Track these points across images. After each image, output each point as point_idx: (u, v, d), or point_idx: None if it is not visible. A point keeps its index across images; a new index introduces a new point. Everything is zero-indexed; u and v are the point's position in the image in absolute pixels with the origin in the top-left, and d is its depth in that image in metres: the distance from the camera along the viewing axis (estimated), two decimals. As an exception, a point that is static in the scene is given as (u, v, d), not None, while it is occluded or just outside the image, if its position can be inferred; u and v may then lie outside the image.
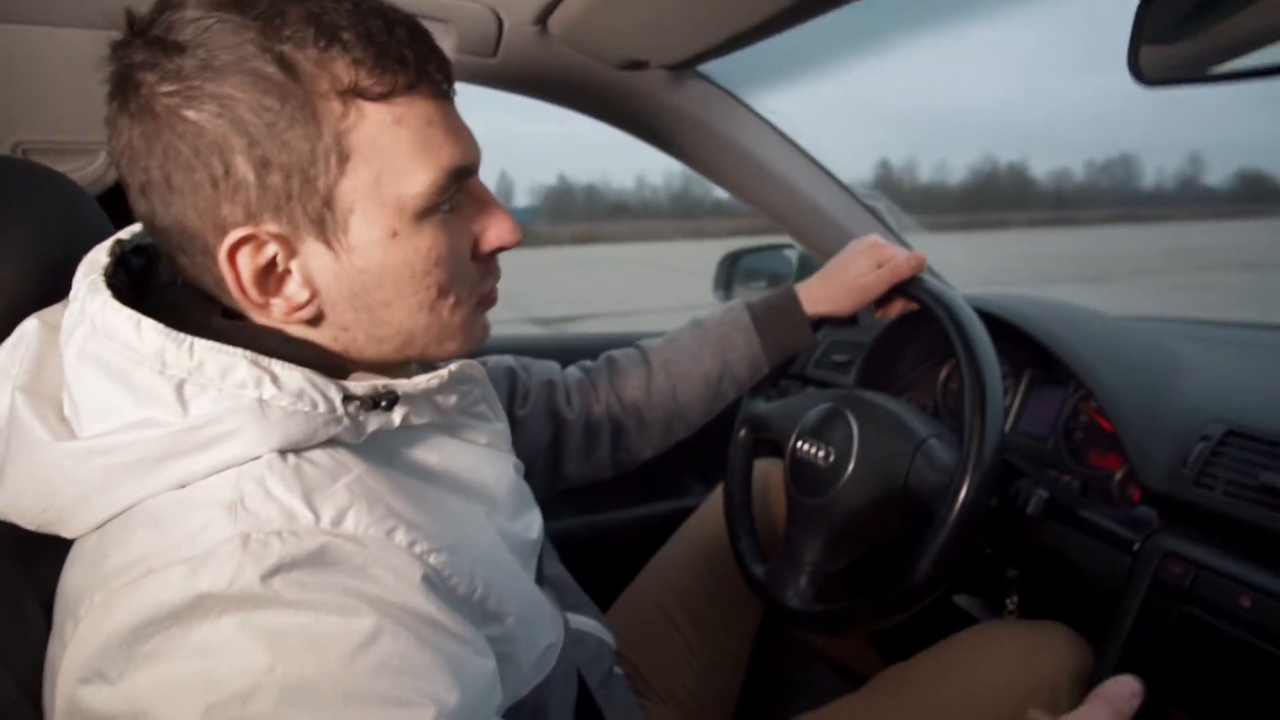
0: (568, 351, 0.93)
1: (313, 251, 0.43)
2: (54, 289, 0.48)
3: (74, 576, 0.40)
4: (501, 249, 0.50)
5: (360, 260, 0.44)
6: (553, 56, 0.91)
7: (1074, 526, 0.76)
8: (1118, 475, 0.81)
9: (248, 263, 0.42)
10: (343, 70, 0.41)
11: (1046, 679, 0.72)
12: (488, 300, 0.52)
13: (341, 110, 0.41)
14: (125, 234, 0.49)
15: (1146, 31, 0.57)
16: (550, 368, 0.82)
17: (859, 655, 1.08)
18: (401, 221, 0.44)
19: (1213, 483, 0.67)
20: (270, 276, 0.43)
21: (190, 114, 0.40)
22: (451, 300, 0.48)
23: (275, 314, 0.44)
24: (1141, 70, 0.57)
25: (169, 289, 0.47)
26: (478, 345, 0.52)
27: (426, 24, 0.46)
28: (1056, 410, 0.91)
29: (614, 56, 0.92)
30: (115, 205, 0.68)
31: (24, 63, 0.81)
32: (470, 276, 0.49)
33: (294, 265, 0.43)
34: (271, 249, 0.42)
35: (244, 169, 0.41)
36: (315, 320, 0.45)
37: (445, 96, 0.46)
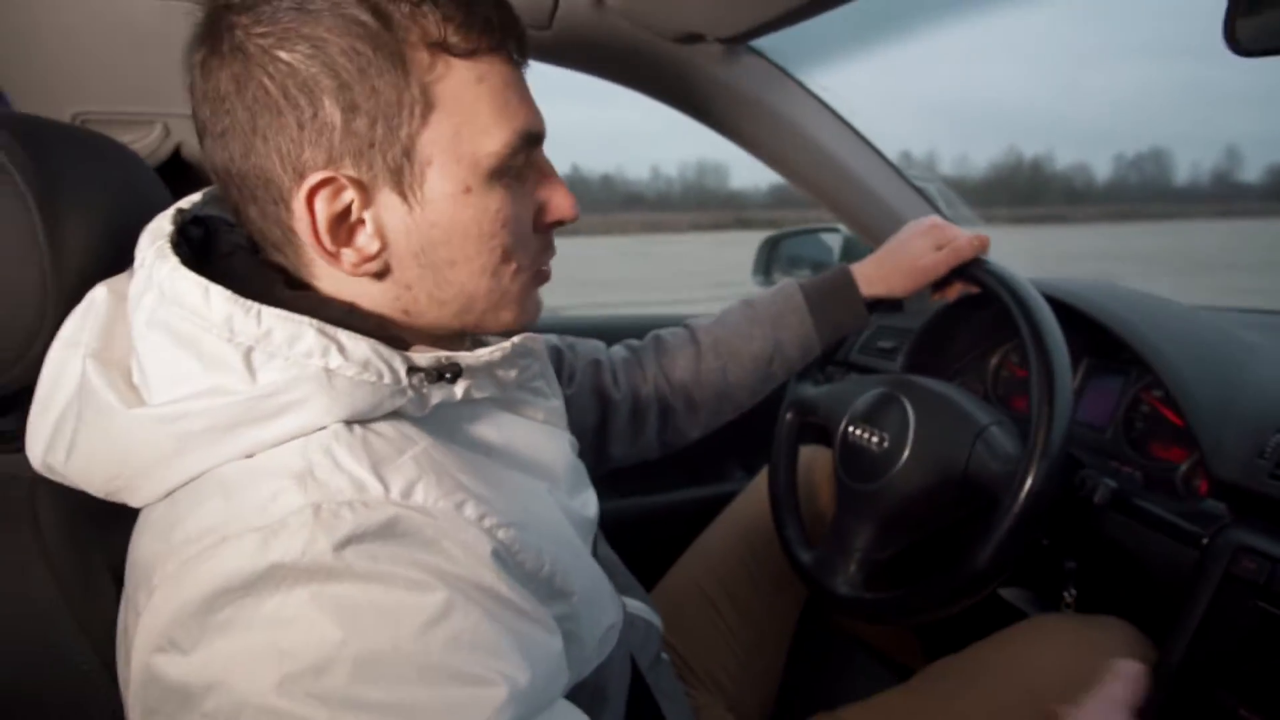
0: (614, 331, 0.92)
1: (387, 202, 0.43)
2: (119, 258, 0.48)
3: (145, 545, 0.40)
4: (561, 222, 0.51)
5: (432, 214, 0.44)
6: (607, 28, 0.90)
7: (1137, 519, 0.74)
8: (1183, 467, 0.79)
9: (325, 208, 0.42)
10: (433, 25, 0.41)
11: (1105, 675, 0.71)
12: (543, 275, 0.52)
13: (430, 61, 0.42)
14: (186, 203, 0.49)
15: (1243, 2, 0.54)
16: (596, 347, 0.81)
17: (901, 645, 1.06)
18: (475, 178, 0.44)
19: None
20: (343, 225, 0.43)
21: (283, 54, 0.40)
22: (513, 266, 0.48)
23: (345, 264, 0.44)
24: (1239, 40, 0.54)
25: (229, 258, 0.47)
26: (532, 320, 0.52)
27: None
28: (1115, 399, 0.88)
29: (670, 28, 0.90)
30: (171, 177, 0.68)
31: (81, 34, 0.82)
32: (531, 246, 0.49)
33: (368, 215, 0.43)
34: (349, 195, 0.42)
35: (331, 111, 0.41)
36: (381, 274, 0.45)
37: (520, 65, 0.47)
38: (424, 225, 0.44)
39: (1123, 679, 0.59)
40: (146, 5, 0.81)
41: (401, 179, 0.43)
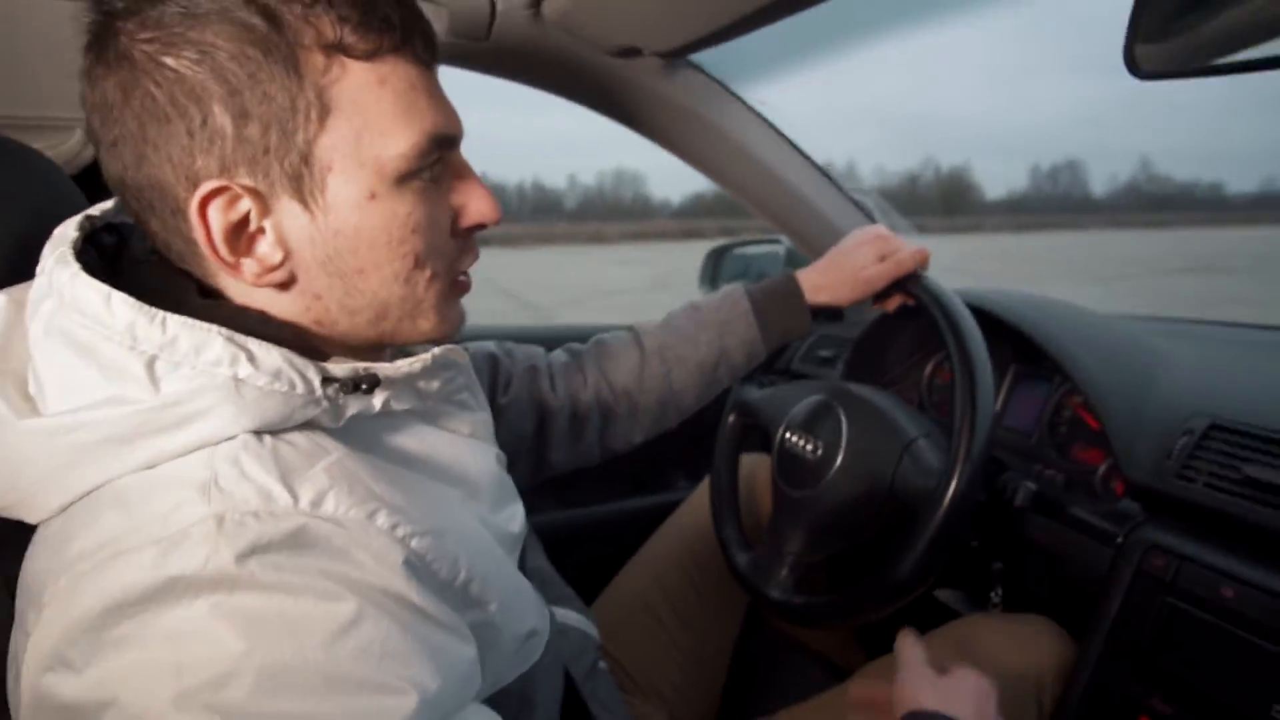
0: (556, 340, 0.92)
1: (288, 210, 0.42)
2: (25, 267, 0.46)
3: (37, 562, 0.38)
4: (481, 226, 0.49)
5: (336, 221, 0.43)
6: (545, 41, 0.90)
7: (1058, 519, 0.77)
8: (1101, 469, 0.82)
9: (219, 217, 0.41)
10: (328, 26, 0.40)
11: (1030, 672, 0.73)
12: (463, 283, 0.50)
13: (325, 64, 0.41)
14: (96, 210, 0.47)
15: (1142, 26, 0.57)
16: (534, 352, 0.80)
17: (842, 649, 1.08)
18: (381, 184, 0.43)
19: (1195, 475, 0.68)
20: (242, 235, 0.42)
21: (169, 61, 0.39)
22: (427, 273, 0.46)
23: (246, 275, 0.43)
24: (1137, 64, 0.57)
25: (142, 267, 0.46)
26: (453, 331, 0.50)
27: (419, 5, 0.45)
28: (1041, 405, 0.92)
29: (607, 42, 0.91)
30: (91, 184, 0.66)
31: (-2, 37, 0.79)
32: (448, 252, 0.48)
33: (268, 224, 0.42)
34: (245, 205, 0.41)
35: (221, 119, 0.39)
36: (287, 284, 0.44)
37: (428, 65, 0.45)
38: (328, 233, 0.43)
39: (908, 644, 0.67)
40: (63, 8, 0.78)
41: (301, 186, 0.42)
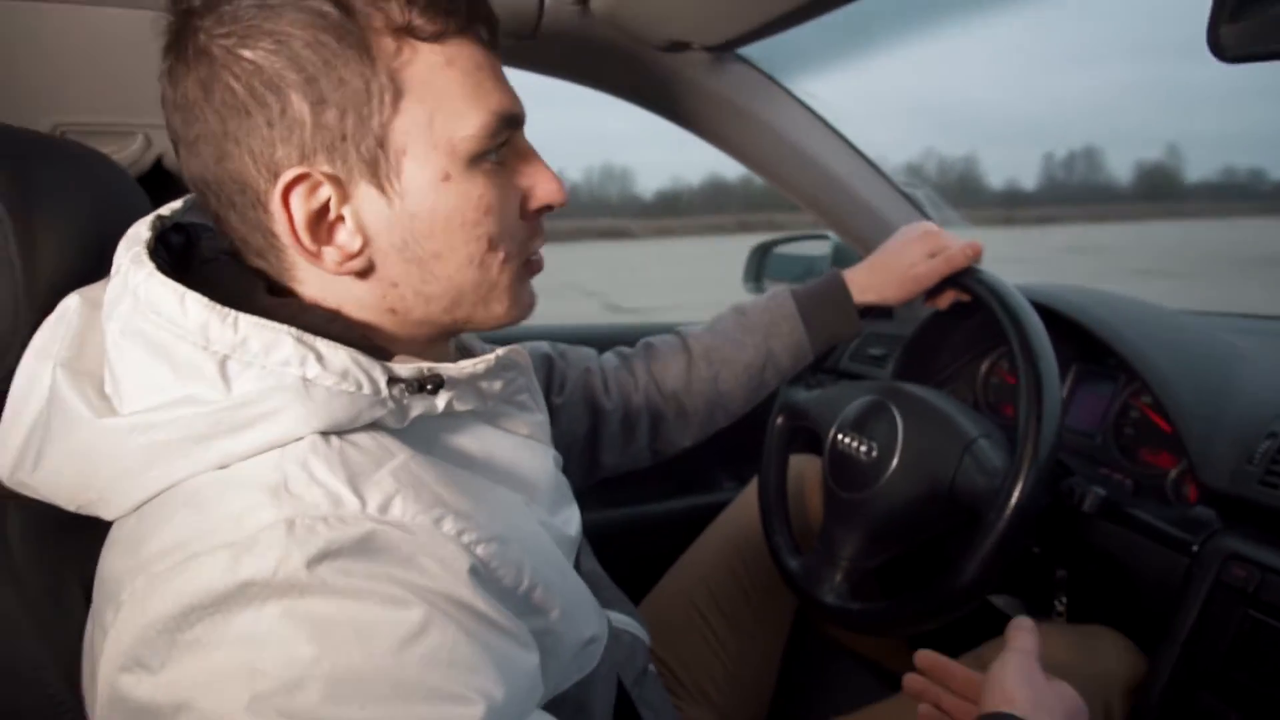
0: (604, 340, 0.92)
1: (366, 196, 0.43)
2: (96, 268, 0.47)
3: (113, 560, 0.39)
4: (549, 207, 0.49)
5: (413, 204, 0.43)
6: (593, 37, 0.89)
7: (1127, 526, 0.73)
8: (1172, 474, 0.78)
9: (301, 206, 0.42)
10: (396, 9, 0.41)
11: (1096, 686, 0.70)
12: (534, 265, 0.51)
13: (395, 47, 0.41)
14: (166, 210, 0.48)
15: (1228, 5, 0.55)
16: (587, 355, 0.80)
17: (893, 655, 1.06)
18: (454, 165, 0.43)
19: (1279, 481, 0.65)
20: (323, 223, 0.43)
21: (246, 53, 0.40)
22: (501, 255, 0.47)
23: (328, 264, 0.43)
24: (1223, 46, 0.54)
25: (210, 265, 0.46)
26: (526, 313, 0.51)
27: None
28: (1106, 406, 0.88)
29: (656, 36, 0.90)
30: (154, 187, 0.68)
31: (61, 43, 0.81)
32: (519, 234, 0.48)
33: (347, 211, 0.43)
34: (325, 192, 0.42)
35: (299, 106, 0.40)
36: (365, 272, 0.45)
37: (491, 48, 0.46)
38: (405, 217, 0.43)
39: (1025, 630, 0.59)
40: (127, 16, 0.81)
41: (378, 170, 0.42)
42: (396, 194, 0.43)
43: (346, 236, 0.43)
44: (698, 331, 0.82)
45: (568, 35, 0.89)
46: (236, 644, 0.34)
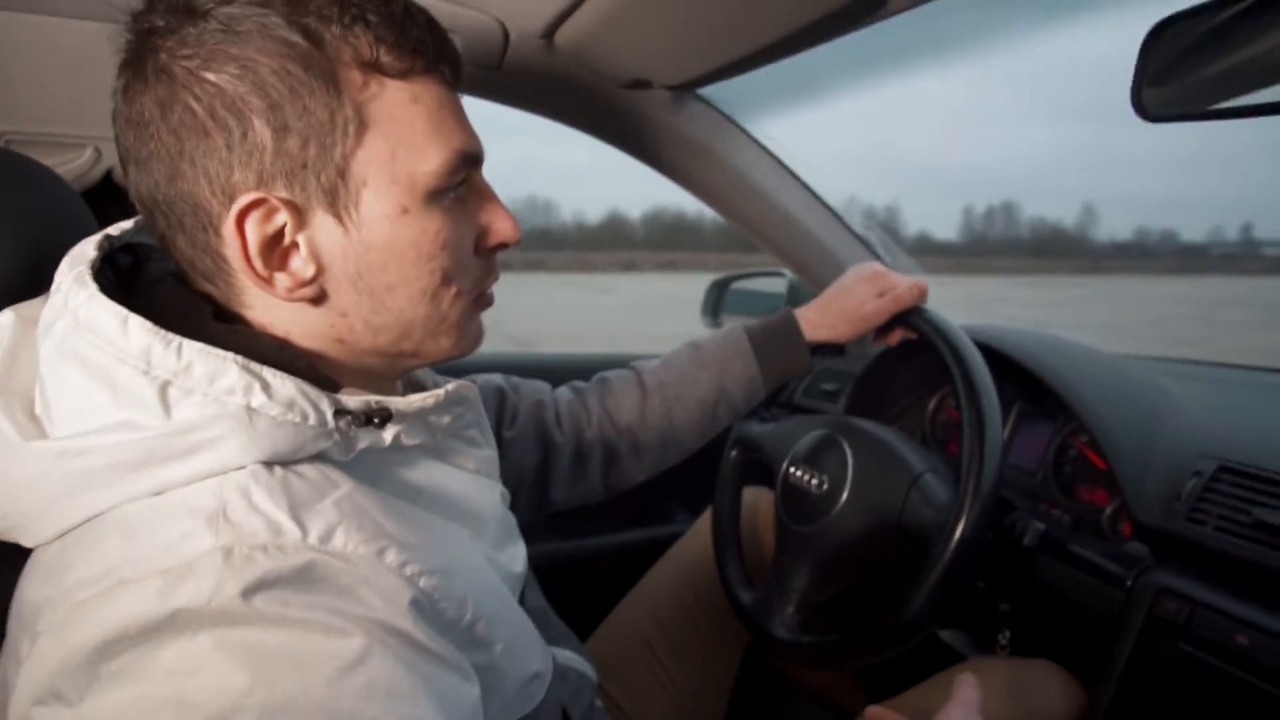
0: (558, 372, 0.92)
1: (322, 225, 0.42)
2: (33, 285, 0.46)
3: (33, 587, 0.37)
4: (504, 245, 0.50)
5: (369, 235, 0.43)
6: (557, 71, 0.91)
7: (1066, 561, 0.75)
8: (1108, 510, 0.81)
9: (255, 231, 0.41)
10: (365, 45, 0.41)
11: (1037, 718, 0.71)
12: (485, 300, 0.51)
13: (363, 81, 0.41)
14: (115, 230, 0.47)
15: (1150, 70, 0.58)
16: (540, 388, 0.80)
17: (842, 689, 1.06)
18: (412, 199, 0.43)
19: (1205, 518, 0.67)
20: (276, 249, 0.42)
21: (210, 76, 0.39)
22: (453, 290, 0.47)
23: (278, 290, 0.43)
24: (1145, 108, 0.58)
25: (157, 288, 0.45)
26: (473, 347, 0.51)
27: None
28: (1046, 444, 0.91)
29: (618, 74, 0.92)
30: (100, 201, 0.66)
31: (11, 52, 0.80)
32: (472, 269, 0.48)
33: (302, 238, 0.42)
34: (281, 218, 0.41)
35: (262, 132, 0.40)
36: (317, 300, 0.44)
37: (454, 87, 0.46)
38: (360, 248, 0.43)
39: (969, 685, 0.63)
40: (82, 28, 0.79)
41: (336, 200, 0.42)
42: (354, 224, 0.43)
43: (300, 264, 0.43)
44: (652, 366, 0.82)
45: (532, 68, 0.90)
46: (164, 675, 0.32)
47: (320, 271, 0.43)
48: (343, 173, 0.41)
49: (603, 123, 1.03)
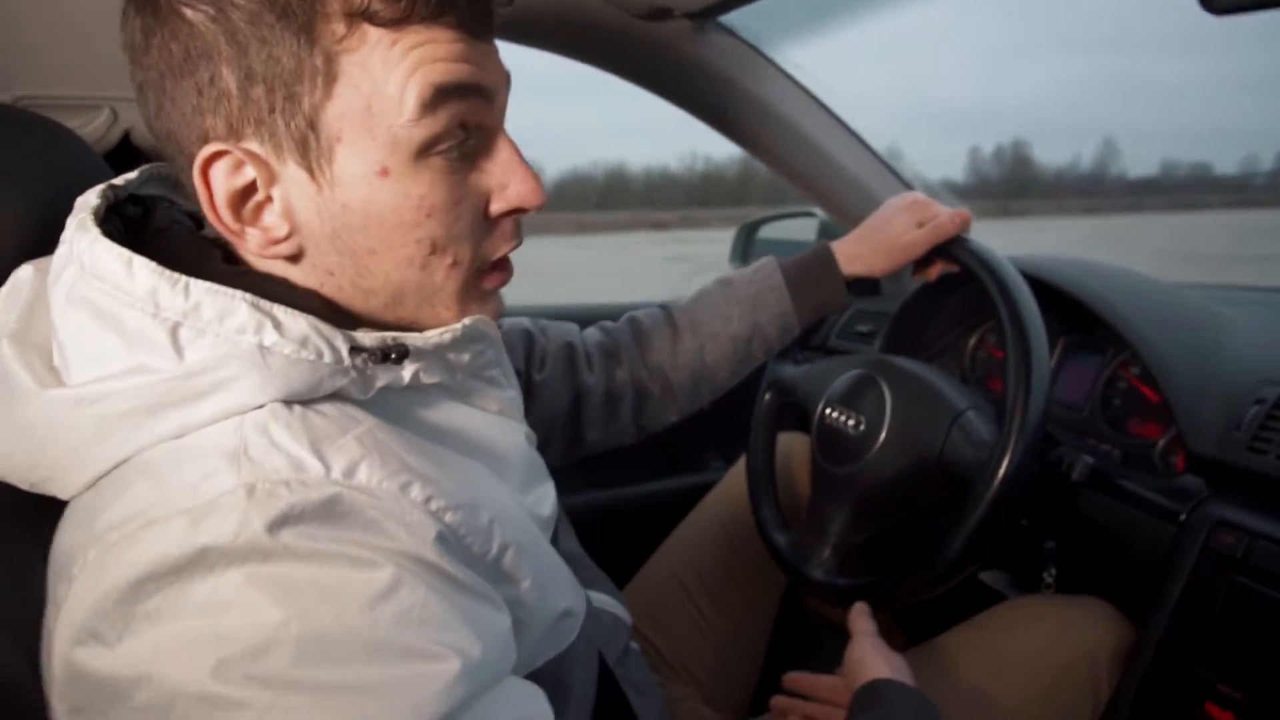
0: (588, 317, 0.90)
1: (294, 179, 0.40)
2: (52, 241, 0.45)
3: (67, 534, 0.38)
4: (519, 210, 0.45)
5: (343, 195, 0.40)
6: (572, 5, 0.88)
7: (1115, 496, 0.73)
8: (1160, 444, 0.78)
9: (223, 182, 0.40)
10: None
11: (1084, 655, 0.70)
12: (498, 269, 0.47)
13: (343, 32, 0.38)
14: (120, 180, 0.46)
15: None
16: (569, 329, 0.79)
17: (883, 632, 1.05)
18: (395, 158, 0.40)
19: (1267, 447, 0.64)
20: (248, 202, 0.41)
21: (188, 13, 0.38)
22: (448, 260, 0.43)
23: (251, 245, 0.41)
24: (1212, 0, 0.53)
25: (165, 234, 0.45)
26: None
27: None
28: (1093, 377, 0.87)
29: (636, 3, 0.88)
30: (120, 162, 0.66)
31: (26, 14, 0.79)
32: (473, 237, 0.44)
33: (275, 193, 0.41)
34: (250, 172, 0.40)
35: (228, 79, 0.38)
36: (296, 258, 0.42)
37: (474, 34, 0.41)
38: (335, 208, 0.41)
39: (863, 614, 0.70)
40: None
41: (308, 152, 0.40)
42: (327, 182, 0.40)
43: (273, 219, 0.41)
44: (683, 305, 0.80)
45: (546, 4, 0.87)
46: (198, 612, 0.32)
47: (295, 229, 0.41)
48: (313, 124, 0.39)
49: (623, 59, 0.99)
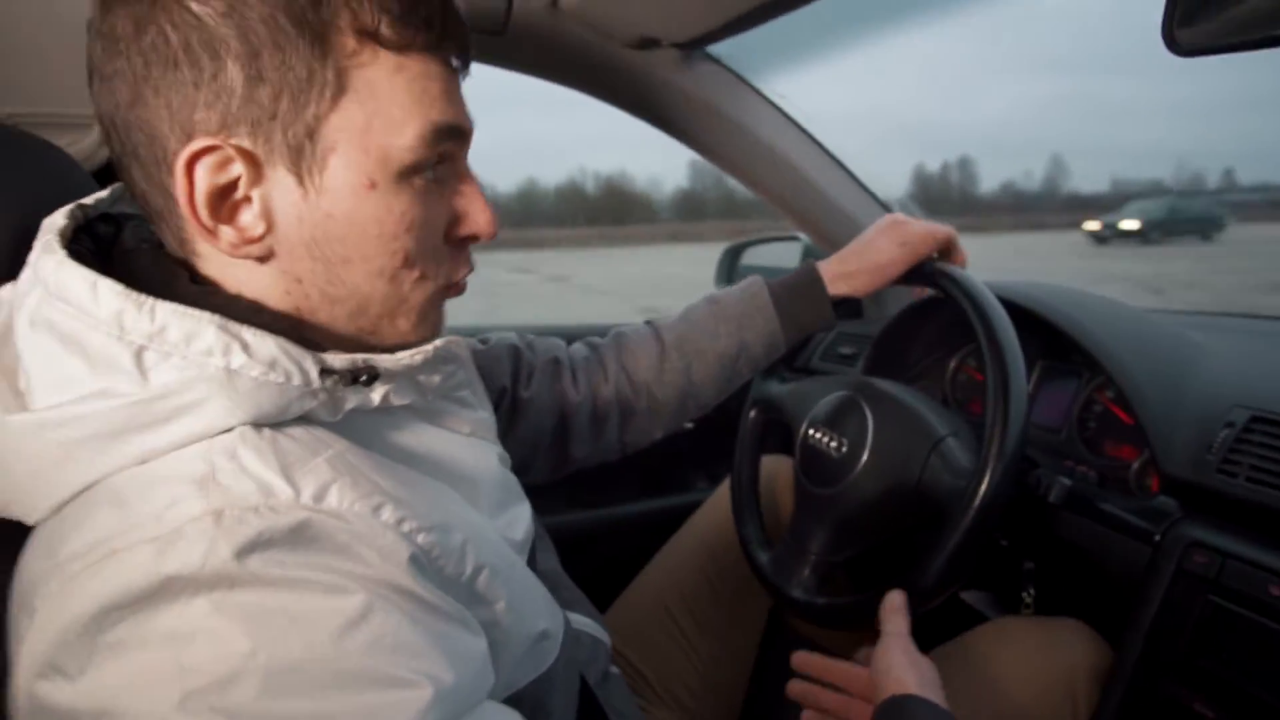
0: (573, 335, 0.91)
1: (280, 182, 0.41)
2: None
3: (29, 564, 0.37)
4: (475, 238, 0.48)
5: (329, 204, 0.41)
6: (562, 33, 0.89)
7: (1092, 517, 0.74)
8: (1134, 465, 0.80)
9: (205, 178, 0.39)
10: (367, 13, 0.40)
11: (1063, 676, 0.70)
12: (455, 288, 0.49)
13: (354, 48, 0.40)
14: (90, 199, 0.46)
15: (1179, 8, 0.56)
16: (555, 345, 0.79)
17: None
18: (383, 174, 0.41)
19: (1236, 470, 0.66)
20: (227, 201, 0.40)
21: (195, 6, 0.37)
22: (416, 273, 0.45)
23: (222, 243, 0.41)
24: (1177, 42, 0.55)
25: (134, 254, 0.44)
26: (432, 335, 0.48)
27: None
28: (1069, 400, 0.89)
29: (625, 33, 0.90)
30: (109, 181, 0.66)
31: (15, 31, 0.79)
32: (439, 256, 0.46)
33: (256, 194, 0.40)
34: (236, 169, 0.40)
35: (235, 76, 0.38)
36: (264, 259, 0.42)
37: (456, 70, 0.45)
38: (319, 215, 0.41)
39: (897, 612, 0.65)
40: (84, 3, 0.78)
41: (300, 160, 0.40)
42: (315, 189, 0.41)
43: (250, 219, 0.41)
44: (670, 321, 0.81)
45: (537, 32, 0.89)
46: (162, 643, 0.32)
47: (270, 230, 0.41)
48: (311, 133, 0.40)
49: (611, 86, 1.01)
